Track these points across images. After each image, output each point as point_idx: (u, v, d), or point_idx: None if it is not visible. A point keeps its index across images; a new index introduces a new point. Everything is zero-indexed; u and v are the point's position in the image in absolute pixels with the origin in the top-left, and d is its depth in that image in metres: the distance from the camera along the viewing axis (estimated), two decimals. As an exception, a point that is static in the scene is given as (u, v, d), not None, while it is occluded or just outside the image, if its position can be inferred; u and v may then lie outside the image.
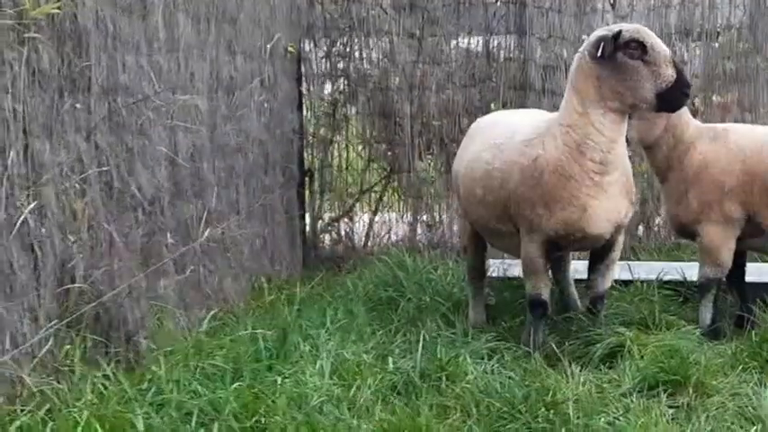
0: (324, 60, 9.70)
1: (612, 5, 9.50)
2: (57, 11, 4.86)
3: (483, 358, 5.76)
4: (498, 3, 9.55)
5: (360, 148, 9.91)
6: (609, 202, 6.06)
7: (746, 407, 5.02)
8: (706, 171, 6.59)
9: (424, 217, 9.74)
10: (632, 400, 5.08)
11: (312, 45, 9.58)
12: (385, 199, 9.96)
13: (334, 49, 9.68)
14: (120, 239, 5.63)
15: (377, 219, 9.87)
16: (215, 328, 6.51)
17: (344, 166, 9.89)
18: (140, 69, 6.02)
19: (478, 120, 7.51)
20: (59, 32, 5.08)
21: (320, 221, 9.84)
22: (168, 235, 6.25)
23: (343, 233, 9.85)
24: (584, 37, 9.10)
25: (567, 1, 9.38)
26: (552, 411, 4.90)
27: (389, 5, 9.54)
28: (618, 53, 5.83)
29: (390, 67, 9.57)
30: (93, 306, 5.28)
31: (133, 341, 5.70)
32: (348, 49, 9.62)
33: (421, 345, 5.72)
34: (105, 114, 5.55)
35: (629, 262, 7.96)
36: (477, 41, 9.57)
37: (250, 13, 8.00)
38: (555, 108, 8.88)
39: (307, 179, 9.74)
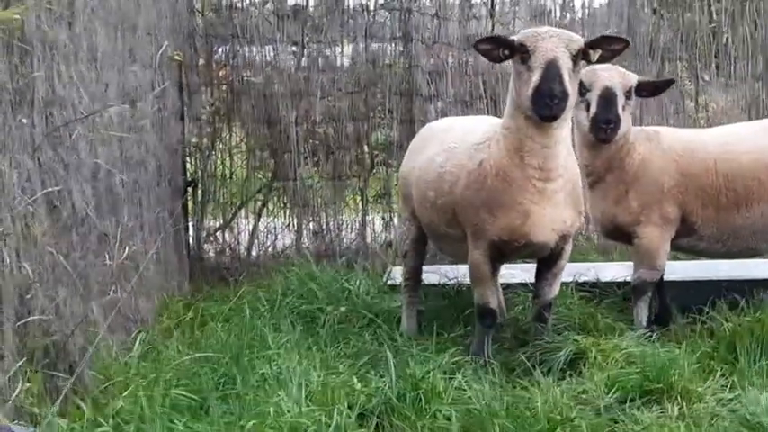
0: (205, 68, 9.09)
1: (491, 14, 9.29)
2: (16, 16, 4.23)
3: (453, 373, 5.38)
4: (383, 9, 9.18)
5: (244, 156, 9.34)
6: (553, 210, 5.78)
7: (739, 411, 4.84)
8: (645, 171, 6.46)
9: (311, 225, 9.27)
10: (637, 413, 4.82)
11: (193, 52, 8.95)
12: (270, 207, 9.41)
13: (215, 57, 9.10)
14: (62, 263, 5.02)
15: (262, 228, 9.33)
16: (145, 352, 5.93)
17: (228, 175, 9.30)
18: (70, 80, 5.39)
19: (431, 124, 7.18)
20: (8, 42, 4.44)
21: (203, 232, 9.22)
22: (106, 255, 5.65)
23: (227, 243, 9.27)
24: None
25: (451, 8, 9.13)
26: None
27: (272, 13, 9.04)
28: None
29: (274, 75, 9.05)
30: (51, 339, 4.70)
31: (77, 373, 5.09)
32: (231, 57, 9.05)
33: (392, 363, 5.29)
34: (48, 130, 4.92)
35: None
36: (363, 48, 9.17)
37: (145, 21, 7.38)
38: (442, 113, 8.72)
39: (190, 189, 9.10)
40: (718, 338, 5.95)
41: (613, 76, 6.29)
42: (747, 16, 9.32)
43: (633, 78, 6.40)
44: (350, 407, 4.94)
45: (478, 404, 4.85)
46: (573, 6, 9.39)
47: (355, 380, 5.30)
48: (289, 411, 4.71)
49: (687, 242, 6.64)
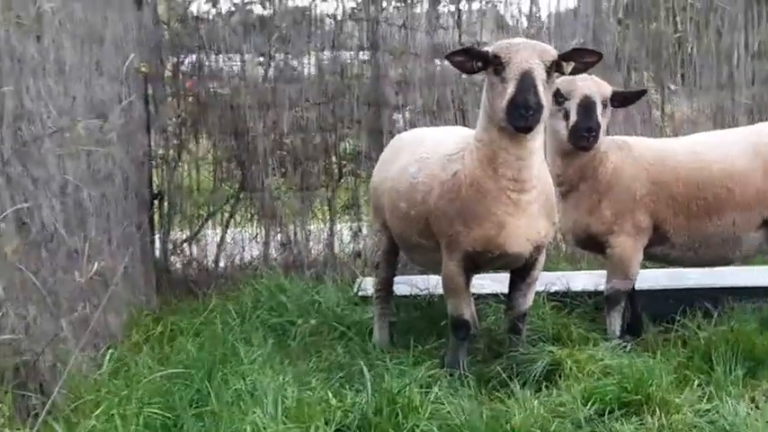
0: (171, 79, 8.97)
1: (458, 24, 9.25)
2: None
3: (429, 386, 5.29)
4: (350, 20, 9.11)
5: (210, 167, 9.23)
6: (528, 222, 5.71)
7: (718, 422, 4.80)
8: (618, 180, 6.46)
9: (279, 236, 9.17)
10: (617, 425, 4.77)
11: (159, 64, 8.83)
12: (237, 218, 9.31)
13: (182, 68, 8.99)
14: (32, 281, 4.90)
15: (230, 239, 9.21)
16: (115, 369, 5.81)
17: (195, 187, 9.18)
18: (38, 94, 5.28)
19: (401, 135, 7.08)
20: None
21: (170, 245, 9.08)
22: (76, 273, 5.51)
23: (194, 255, 9.14)
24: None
25: (419, 18, 9.08)
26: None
27: (238, 24, 8.95)
28: None
29: (241, 86, 8.95)
30: (22, 358, 4.58)
31: (48, 392, 4.96)
32: (197, 68, 8.94)
33: (368, 377, 5.20)
34: (16, 144, 4.81)
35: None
36: (330, 58, 9.10)
37: (112, 33, 7.27)
38: (410, 123, 8.67)
39: (156, 202, 8.97)
40: (692, 348, 5.91)
41: (591, 85, 6.29)
42: (712, 26, 9.36)
43: (609, 88, 6.39)
44: (326, 423, 4.88)
45: (458, 419, 4.78)
46: (539, 17, 9.37)
47: (330, 395, 5.21)
48: (266, 429, 4.63)
49: (660, 251, 6.63)
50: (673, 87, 9.41)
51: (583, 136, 6.19)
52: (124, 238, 7.44)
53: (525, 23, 9.32)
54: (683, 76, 9.47)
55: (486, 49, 5.59)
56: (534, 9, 9.35)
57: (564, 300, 7.13)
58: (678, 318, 6.62)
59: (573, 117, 6.23)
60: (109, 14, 7.14)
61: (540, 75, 5.34)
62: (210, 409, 4.93)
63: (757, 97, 9.44)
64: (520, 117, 5.31)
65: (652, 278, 7.44)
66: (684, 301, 6.89)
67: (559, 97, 6.19)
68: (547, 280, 7.17)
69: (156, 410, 4.87)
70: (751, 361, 5.74)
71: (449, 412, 4.87)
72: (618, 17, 9.43)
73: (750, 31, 9.36)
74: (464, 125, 8.59)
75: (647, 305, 6.92)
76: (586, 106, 6.22)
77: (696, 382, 5.42)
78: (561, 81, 6.08)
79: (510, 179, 5.61)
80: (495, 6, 9.36)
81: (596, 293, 7.15)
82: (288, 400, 5.06)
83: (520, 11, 9.35)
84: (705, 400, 5.17)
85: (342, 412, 4.98)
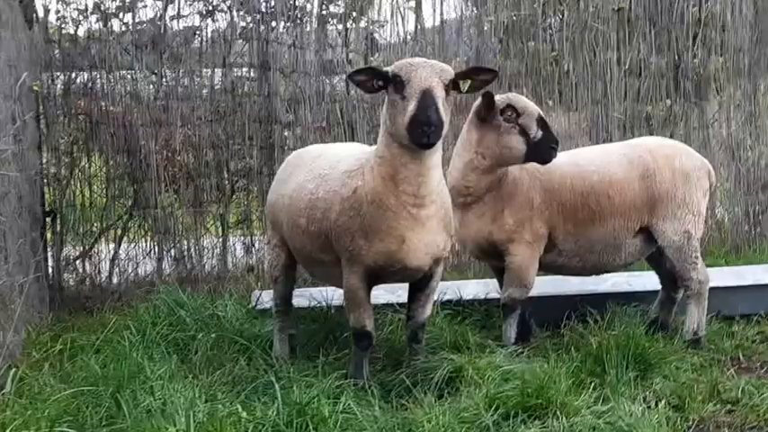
0: (63, 98, 8.75)
1: (346, 44, 9.28)
2: None
3: (336, 397, 5.25)
4: (241, 39, 9.04)
5: (103, 185, 9.03)
6: (427, 236, 5.72)
7: (616, 423, 4.89)
8: (517, 189, 6.59)
9: (172, 251, 9.02)
10: (523, 428, 4.81)
11: (50, 83, 8.62)
12: (131, 235, 9.12)
13: (73, 87, 8.77)
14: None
15: (123, 255, 9.03)
16: (18, 388, 5.62)
17: (88, 204, 8.97)
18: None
19: (299, 151, 6.96)
20: None
21: (63, 261, 8.85)
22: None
23: (88, 272, 8.93)
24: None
25: (308, 37, 9.07)
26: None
27: (130, 43, 8.80)
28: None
29: (133, 104, 8.79)
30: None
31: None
32: (89, 87, 8.74)
33: (278, 390, 5.14)
34: None
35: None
36: (221, 77, 9.01)
37: (6, 53, 7.05)
38: (301, 140, 8.65)
39: (49, 220, 8.74)
40: (585, 353, 6.00)
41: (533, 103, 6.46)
42: (586, 45, 9.60)
43: None
44: (241, 436, 4.79)
45: (370, 428, 4.75)
46: (424, 35, 9.45)
47: (240, 408, 5.12)
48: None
49: (549, 258, 6.76)
50: (550, 103, 9.61)
51: (553, 149, 6.31)
52: (20, 255, 7.22)
53: (410, 42, 9.39)
54: (560, 92, 9.69)
55: (386, 68, 5.59)
56: (419, 28, 9.44)
57: (456, 308, 7.18)
58: (565, 323, 6.76)
59: (537, 132, 6.31)
60: (2, 34, 6.92)
61: (439, 93, 5.37)
62: (122, 427, 4.81)
63: (629, 112, 9.73)
64: (422, 134, 5.31)
65: (538, 284, 7.54)
66: (569, 306, 7.03)
67: (512, 114, 6.29)
68: (439, 289, 7.19)
69: (67, 429, 4.72)
70: (641, 363, 5.87)
71: (361, 421, 4.84)
72: (499, 37, 9.60)
73: (622, 50, 9.66)
74: (353, 141, 8.62)
75: (534, 311, 7.01)
76: (545, 122, 6.37)
77: (592, 386, 5.50)
78: (509, 97, 6.35)
79: (410, 194, 5.61)
80: (382, 26, 9.40)
81: (486, 301, 7.24)
82: (199, 415, 4.96)
83: (406, 30, 9.43)
84: (601, 402, 5.25)
85: (253, 425, 4.89)
